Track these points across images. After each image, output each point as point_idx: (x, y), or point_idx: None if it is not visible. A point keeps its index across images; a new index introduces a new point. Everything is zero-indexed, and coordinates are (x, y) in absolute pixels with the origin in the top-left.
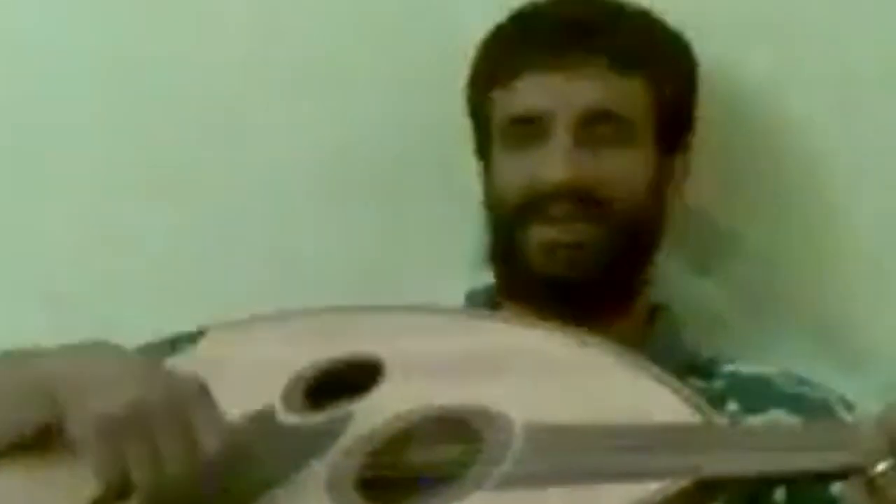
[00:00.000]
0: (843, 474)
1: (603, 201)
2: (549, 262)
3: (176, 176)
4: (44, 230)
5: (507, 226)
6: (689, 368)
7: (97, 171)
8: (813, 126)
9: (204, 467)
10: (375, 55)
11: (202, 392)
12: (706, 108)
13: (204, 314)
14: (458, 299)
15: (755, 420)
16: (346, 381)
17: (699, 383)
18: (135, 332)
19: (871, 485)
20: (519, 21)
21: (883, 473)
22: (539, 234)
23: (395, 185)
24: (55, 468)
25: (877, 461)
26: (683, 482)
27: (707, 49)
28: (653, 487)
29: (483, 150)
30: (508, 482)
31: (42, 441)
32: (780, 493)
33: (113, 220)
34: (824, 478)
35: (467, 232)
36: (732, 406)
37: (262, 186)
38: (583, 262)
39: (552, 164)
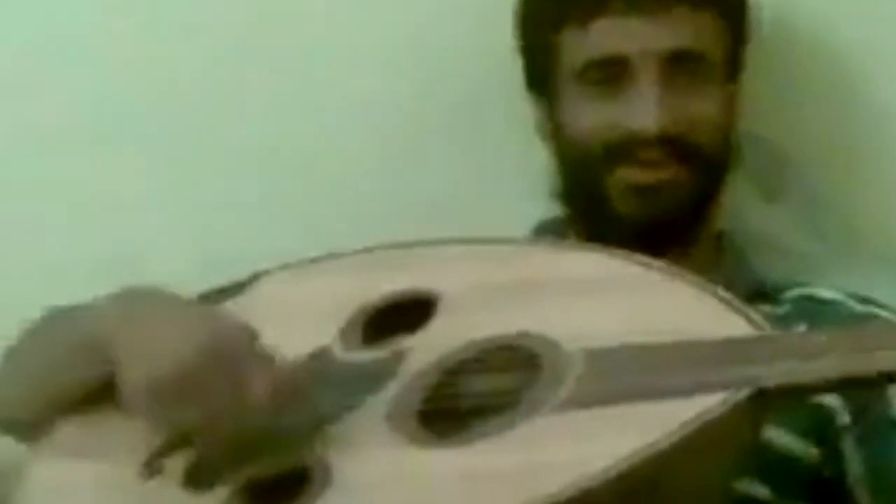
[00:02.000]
0: None
1: (692, 145)
2: (634, 203)
3: (250, 114)
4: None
5: (587, 168)
6: (756, 294)
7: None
8: (876, 51)
9: (256, 413)
10: None
11: (250, 340)
12: (772, 35)
13: (281, 252)
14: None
15: None
16: (402, 315)
17: (767, 308)
18: (197, 279)
19: None
20: None
21: None
22: (626, 177)
23: (469, 120)
24: (113, 420)
25: None
26: (743, 393)
27: None
28: (712, 401)
29: (547, 86)
30: (566, 405)
31: (96, 395)
32: (844, 417)
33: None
34: (887, 379)
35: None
36: (800, 329)
37: (334, 126)
38: (669, 203)
39: (644, 113)
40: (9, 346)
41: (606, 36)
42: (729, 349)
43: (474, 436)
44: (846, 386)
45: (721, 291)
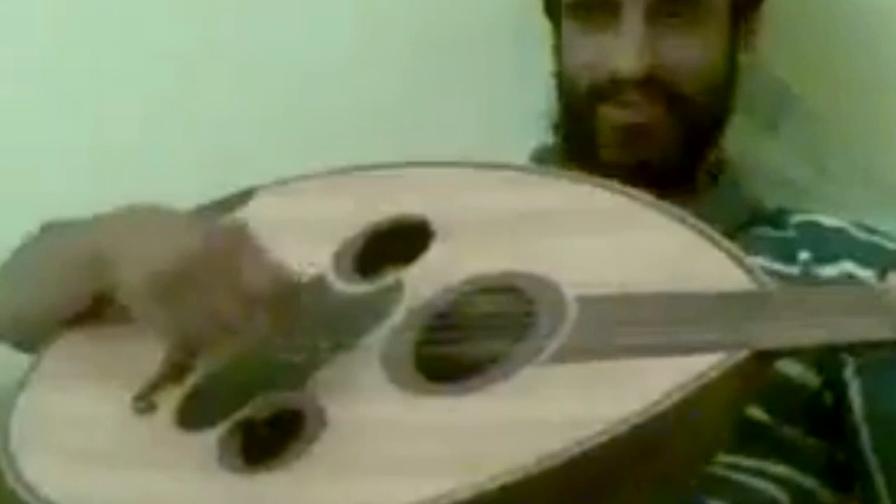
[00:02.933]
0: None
1: (677, 89)
2: (619, 145)
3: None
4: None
5: (576, 105)
6: (757, 218)
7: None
8: None
9: (259, 307)
10: None
11: (244, 235)
12: None
13: (254, 172)
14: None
15: (826, 270)
16: (397, 242)
17: (770, 232)
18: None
19: None
20: None
21: None
22: (609, 116)
23: (464, 35)
24: (116, 337)
25: None
26: (739, 355)
27: None
28: (707, 361)
29: (552, 12)
30: (562, 356)
31: (97, 310)
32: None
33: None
34: (881, 346)
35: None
36: (804, 255)
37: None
38: (653, 148)
39: (625, 54)
40: (7, 257)
41: None
42: (727, 306)
43: (468, 385)
44: (847, 349)
45: (719, 237)
